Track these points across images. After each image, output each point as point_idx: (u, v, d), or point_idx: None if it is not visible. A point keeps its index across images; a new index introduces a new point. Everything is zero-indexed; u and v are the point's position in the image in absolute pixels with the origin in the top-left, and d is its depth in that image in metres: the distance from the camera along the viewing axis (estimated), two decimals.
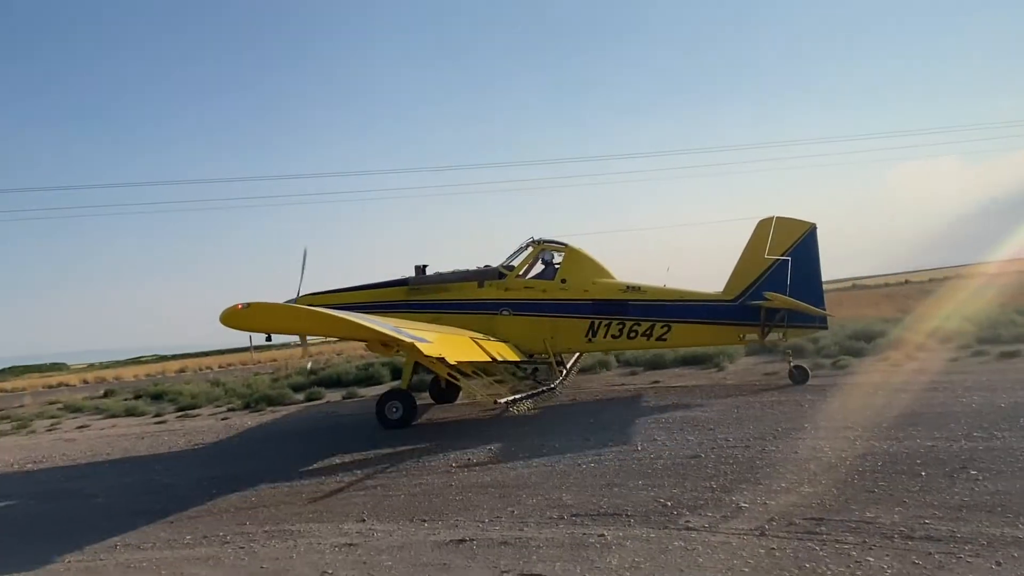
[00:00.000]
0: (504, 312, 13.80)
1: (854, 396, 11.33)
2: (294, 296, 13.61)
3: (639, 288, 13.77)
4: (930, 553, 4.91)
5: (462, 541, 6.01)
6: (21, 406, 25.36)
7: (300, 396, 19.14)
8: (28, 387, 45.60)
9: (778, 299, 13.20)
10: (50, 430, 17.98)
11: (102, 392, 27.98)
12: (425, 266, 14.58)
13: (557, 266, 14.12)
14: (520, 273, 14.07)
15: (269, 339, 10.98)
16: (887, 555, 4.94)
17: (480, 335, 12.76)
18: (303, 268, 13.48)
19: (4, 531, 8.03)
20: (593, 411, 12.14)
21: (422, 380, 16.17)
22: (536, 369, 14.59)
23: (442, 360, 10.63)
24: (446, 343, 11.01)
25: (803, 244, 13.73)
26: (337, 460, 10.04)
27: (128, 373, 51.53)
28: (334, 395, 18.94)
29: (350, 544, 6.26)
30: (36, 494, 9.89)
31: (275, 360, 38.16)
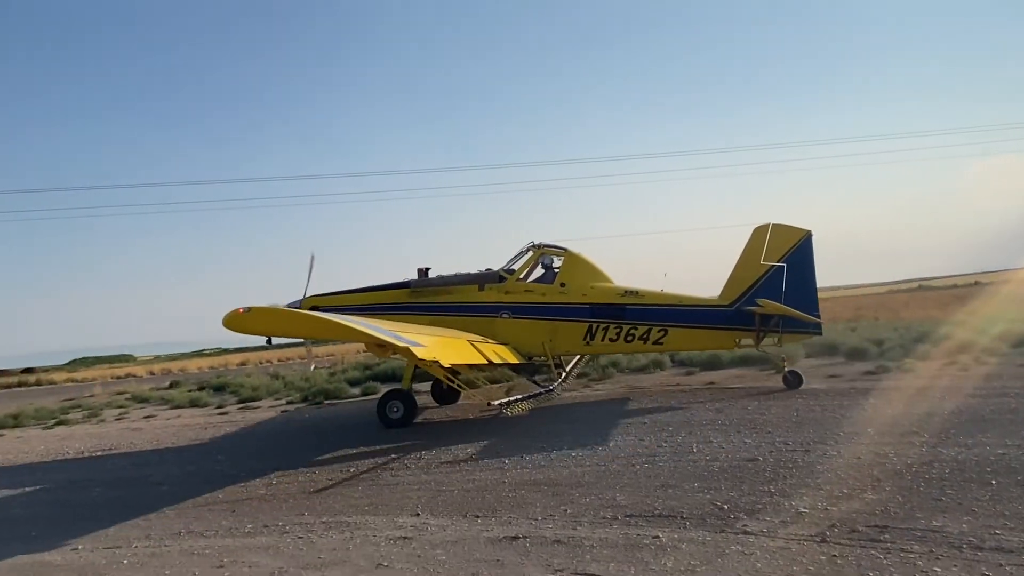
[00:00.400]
0: (504, 315, 14.01)
1: (920, 400, 10.95)
2: (300, 298, 14.02)
3: (637, 292, 13.99)
4: (1001, 564, 4.72)
5: (515, 538, 6.02)
6: (91, 396, 26.38)
7: (356, 390, 19.47)
8: (98, 377, 47.42)
9: (769, 305, 13.44)
10: (118, 419, 18.68)
11: (167, 383, 28.96)
12: (428, 269, 14.84)
13: (557, 270, 14.30)
14: (520, 277, 14.27)
15: (269, 342, 11.25)
16: (955, 566, 4.77)
17: (479, 337, 12.91)
18: (310, 272, 14.00)
19: (75, 515, 8.37)
20: (647, 411, 12.03)
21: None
22: (535, 371, 14.69)
23: (436, 363, 10.74)
24: (441, 346, 11.13)
25: (798, 251, 13.94)
26: (392, 454, 10.18)
27: (192, 365, 53.15)
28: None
29: (405, 537, 6.34)
30: (105, 481, 10.28)
31: (332, 355, 38.85)
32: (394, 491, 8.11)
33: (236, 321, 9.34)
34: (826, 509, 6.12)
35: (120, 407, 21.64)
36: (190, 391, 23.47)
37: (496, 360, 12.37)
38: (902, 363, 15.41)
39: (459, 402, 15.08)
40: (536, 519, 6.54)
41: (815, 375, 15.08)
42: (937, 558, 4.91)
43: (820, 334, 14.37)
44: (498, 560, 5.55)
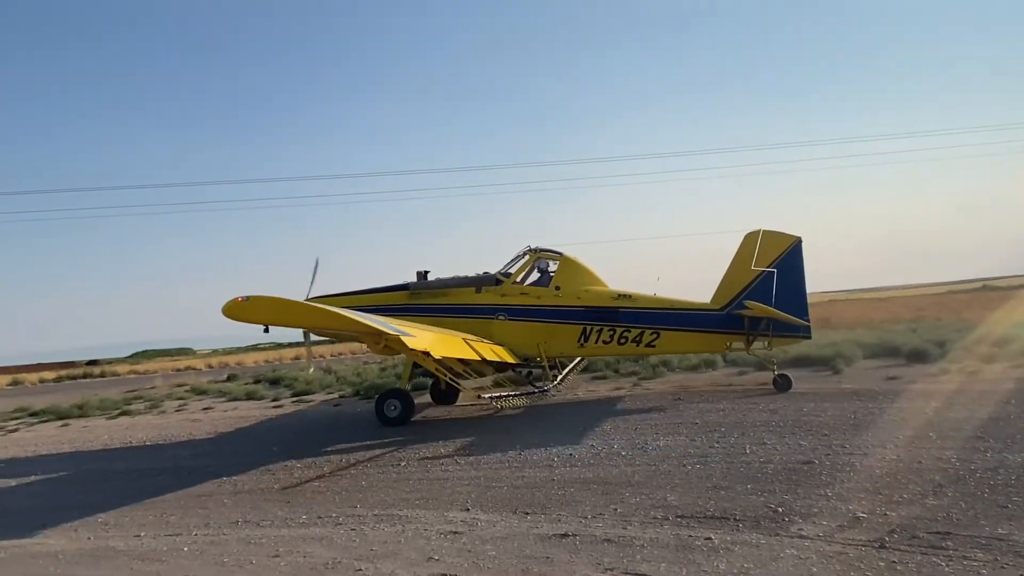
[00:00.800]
0: (500, 317, 14.36)
1: (983, 404, 10.57)
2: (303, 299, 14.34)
3: (630, 296, 14.35)
4: None
5: (565, 536, 6.02)
6: (153, 387, 27.18)
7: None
8: (159, 370, 48.87)
9: (757, 308, 13.75)
10: (178, 411, 19.23)
11: (225, 376, 29.68)
12: (427, 272, 15.22)
13: (552, 274, 14.64)
14: (517, 280, 14.61)
15: (267, 331, 11.68)
16: (1021, 575, 4.59)
17: (475, 337, 13.28)
18: (314, 275, 14.36)
19: (138, 503, 8.65)
20: (699, 412, 11.88)
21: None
22: (531, 372, 15.14)
23: (427, 354, 11.12)
24: (432, 339, 11.43)
25: (788, 256, 14.27)
26: (441, 449, 10.26)
27: (248, 359, 54.28)
28: None
29: (455, 532, 6.39)
30: (165, 469, 10.61)
31: None
32: (444, 486, 8.19)
33: (235, 309, 9.67)
34: (885, 514, 5.96)
35: (180, 399, 22.28)
36: (246, 384, 24.01)
37: (490, 357, 12.72)
38: (964, 365, 14.90)
39: (458, 402, 15.33)
40: (586, 517, 6.52)
41: (873, 377, 14.70)
42: (1002, 567, 4.74)
43: (809, 338, 14.50)
44: (548, 557, 5.55)
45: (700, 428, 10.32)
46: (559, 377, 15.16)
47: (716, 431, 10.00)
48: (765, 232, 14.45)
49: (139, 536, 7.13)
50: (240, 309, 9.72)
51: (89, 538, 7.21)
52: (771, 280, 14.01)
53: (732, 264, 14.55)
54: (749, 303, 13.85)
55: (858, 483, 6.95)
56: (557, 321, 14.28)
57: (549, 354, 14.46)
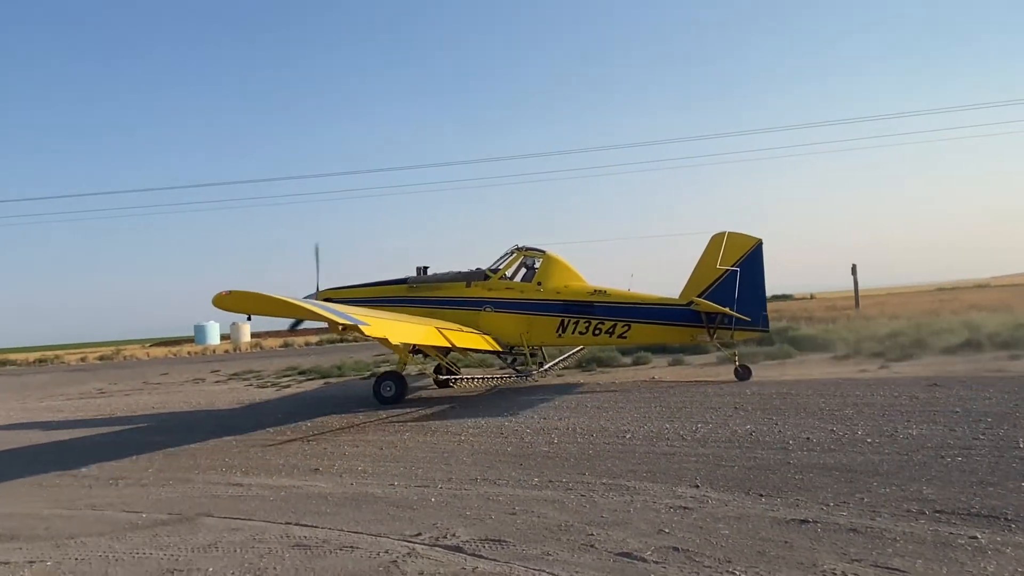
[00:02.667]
0: (487, 309, 15.79)
1: None
2: (314, 290, 16.26)
3: (605, 292, 15.55)
4: None
5: (804, 521, 5.72)
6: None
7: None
8: None
9: (703, 304, 14.82)
10: (419, 374, 20.84)
11: None
12: (426, 267, 16.75)
13: (536, 270, 15.95)
14: (505, 275, 16.01)
15: (249, 319, 12.29)
16: None
17: (453, 325, 14.63)
18: (317, 264, 16.32)
19: (389, 456, 9.54)
20: (959, 399, 10.66)
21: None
22: (515, 359, 16.37)
23: (385, 340, 12.68)
24: (391, 327, 12.67)
25: (750, 257, 15.15)
26: (667, 425, 10.19)
27: None
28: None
29: (685, 507, 6.32)
30: (413, 427, 11.58)
31: None
32: (671, 461, 8.12)
33: (222, 301, 10.70)
34: None
35: (419, 364, 24.09)
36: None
37: (465, 345, 14.34)
38: None
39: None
40: (827, 505, 6.15)
41: None
42: None
43: (767, 330, 15.44)
44: (786, 542, 5.32)
45: (961, 417, 9.28)
46: (546, 365, 16.44)
47: (981, 421, 8.93)
48: (730, 234, 15.31)
49: (393, 485, 7.87)
50: (225, 301, 10.75)
51: (351, 484, 8.09)
52: (734, 278, 14.92)
53: (699, 263, 15.45)
54: (696, 300, 14.92)
55: None
56: (538, 313, 15.58)
57: (530, 343, 15.71)
